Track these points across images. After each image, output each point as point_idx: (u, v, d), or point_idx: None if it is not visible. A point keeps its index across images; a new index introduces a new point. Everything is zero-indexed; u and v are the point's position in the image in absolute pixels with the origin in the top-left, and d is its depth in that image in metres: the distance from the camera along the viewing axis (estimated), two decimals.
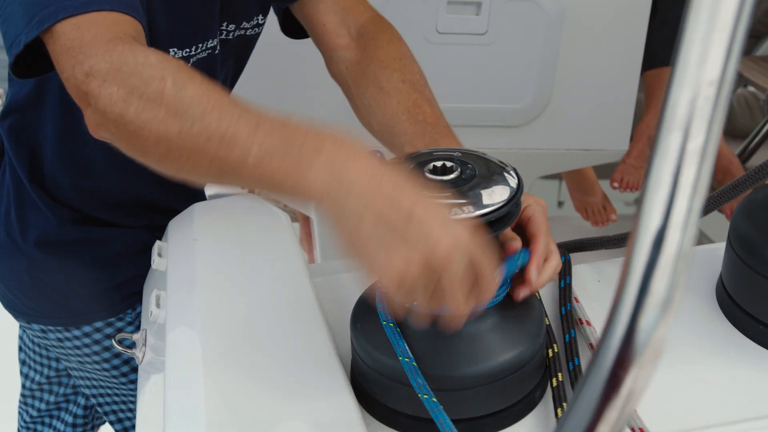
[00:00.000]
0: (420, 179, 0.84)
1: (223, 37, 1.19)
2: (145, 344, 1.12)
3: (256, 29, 1.25)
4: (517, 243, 0.87)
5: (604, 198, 2.77)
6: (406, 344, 0.83)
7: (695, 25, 0.44)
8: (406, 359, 0.82)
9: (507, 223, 0.83)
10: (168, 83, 0.78)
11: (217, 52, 1.18)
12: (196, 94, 0.78)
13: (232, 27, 1.20)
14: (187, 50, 1.12)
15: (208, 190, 1.25)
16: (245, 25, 1.22)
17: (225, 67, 1.25)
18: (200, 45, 1.14)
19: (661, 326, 0.43)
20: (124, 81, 0.79)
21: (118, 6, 0.86)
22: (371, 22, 1.21)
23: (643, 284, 0.43)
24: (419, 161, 0.87)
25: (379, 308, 0.88)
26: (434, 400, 0.79)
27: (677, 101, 0.44)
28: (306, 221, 2.29)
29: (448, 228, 0.71)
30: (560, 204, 3.40)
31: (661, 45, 2.45)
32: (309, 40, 1.28)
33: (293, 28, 1.29)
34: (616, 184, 2.62)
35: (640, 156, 2.56)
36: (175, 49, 1.11)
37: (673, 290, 0.43)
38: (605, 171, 2.83)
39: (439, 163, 0.86)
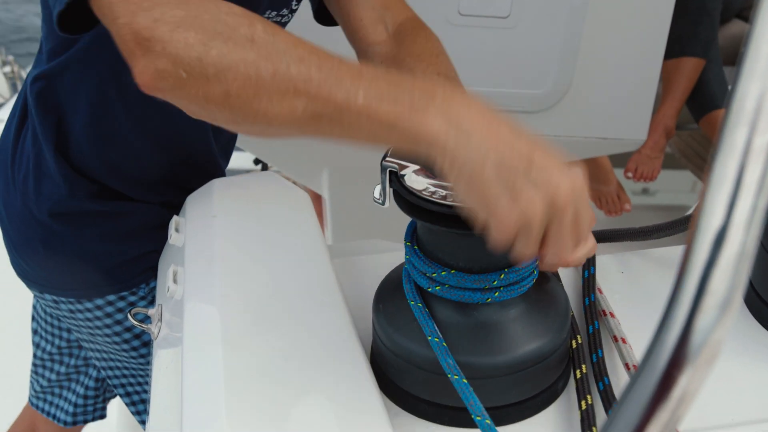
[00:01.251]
0: None
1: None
2: (160, 319, 1.11)
3: (290, 15, 1.24)
4: None
5: (618, 187, 2.76)
6: (435, 324, 0.82)
7: (766, 18, 0.42)
8: (436, 339, 0.81)
9: None
10: (258, 29, 0.75)
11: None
12: (290, 41, 0.75)
13: (273, 14, 1.19)
14: None
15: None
16: (284, 11, 1.21)
17: None
18: None
19: (719, 328, 0.42)
20: (204, 26, 0.74)
21: None
22: (409, 21, 1.19)
23: (702, 283, 0.42)
24: None
25: (406, 289, 0.87)
26: (464, 381, 0.78)
27: (745, 95, 0.42)
28: (317, 200, 2.28)
29: (566, 173, 0.71)
30: None
31: (681, 35, 2.43)
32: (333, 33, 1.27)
33: (325, 16, 1.28)
34: (630, 174, 2.61)
35: (656, 146, 2.54)
36: None
37: (734, 291, 0.42)
38: (619, 160, 2.82)
39: None
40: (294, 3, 1.22)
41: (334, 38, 1.24)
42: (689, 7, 2.46)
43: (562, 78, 1.97)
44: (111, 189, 1.24)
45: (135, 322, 1.11)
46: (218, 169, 1.35)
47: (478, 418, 0.75)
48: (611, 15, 1.93)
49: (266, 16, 1.17)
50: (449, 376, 0.78)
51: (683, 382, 0.43)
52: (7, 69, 3.70)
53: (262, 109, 0.75)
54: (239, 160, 3.16)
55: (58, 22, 0.87)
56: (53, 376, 1.53)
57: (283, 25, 1.25)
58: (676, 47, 2.43)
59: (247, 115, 0.77)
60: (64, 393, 1.53)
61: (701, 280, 0.42)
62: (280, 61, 0.73)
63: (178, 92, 0.77)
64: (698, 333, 0.42)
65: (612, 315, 0.97)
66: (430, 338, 0.81)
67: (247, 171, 2.98)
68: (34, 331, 1.53)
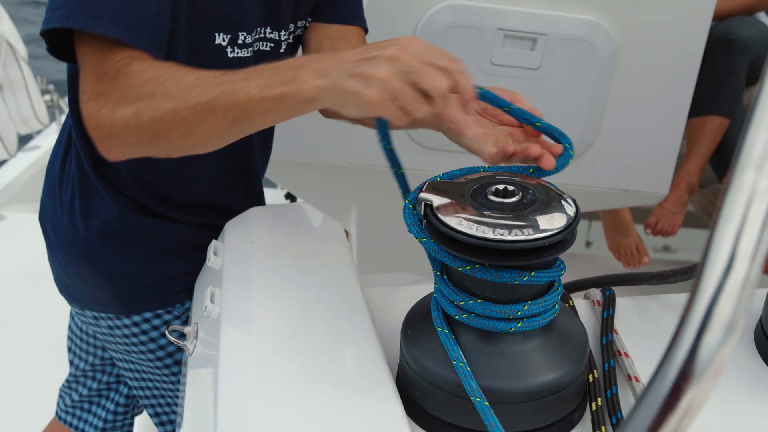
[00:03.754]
0: (482, 200, 0.89)
1: (296, 33, 1.27)
2: (196, 337, 1.16)
3: (288, 39, 1.32)
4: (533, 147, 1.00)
5: (638, 240, 2.79)
6: (460, 350, 0.87)
7: None
8: (461, 363, 0.86)
9: (562, 249, 0.87)
10: (169, 83, 0.96)
11: (283, 47, 1.27)
12: (193, 78, 0.96)
13: (301, 23, 1.28)
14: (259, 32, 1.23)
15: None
16: (282, 33, 1.29)
17: None
18: (263, 37, 1.23)
19: (724, 347, 0.47)
20: (132, 98, 0.97)
21: (128, 36, 1.01)
22: None
23: (711, 306, 0.47)
24: (483, 182, 0.92)
25: (434, 315, 0.92)
26: (486, 403, 0.82)
27: (755, 141, 0.48)
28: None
29: (393, 42, 0.89)
30: (588, 244, 3.42)
31: (707, 94, 2.49)
32: None
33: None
34: (649, 231, 2.64)
35: (678, 201, 2.58)
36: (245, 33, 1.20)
37: (738, 314, 0.47)
38: (639, 214, 2.86)
39: (501, 186, 0.90)
40: (291, 26, 1.30)
41: None
42: (716, 67, 2.52)
43: (589, 130, 2.02)
44: (151, 209, 1.30)
45: (171, 338, 1.16)
46: (254, 191, 1.41)
47: None
48: (638, 71, 1.99)
49: (258, 35, 1.25)
50: (472, 398, 0.83)
51: (690, 394, 0.48)
52: (47, 98, 3.82)
53: (199, 135, 0.98)
54: (271, 196, 3.25)
55: (48, 48, 1.08)
56: (85, 392, 1.58)
57: (280, 45, 1.31)
58: (702, 105, 2.48)
59: (194, 145, 1.01)
60: (94, 409, 1.58)
61: (710, 303, 0.47)
62: (193, 98, 0.95)
63: (139, 152, 1.03)
64: (705, 350, 0.47)
65: (627, 355, 1.02)
66: (455, 362, 0.86)
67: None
68: (69, 348, 1.58)
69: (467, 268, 0.87)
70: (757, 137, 0.48)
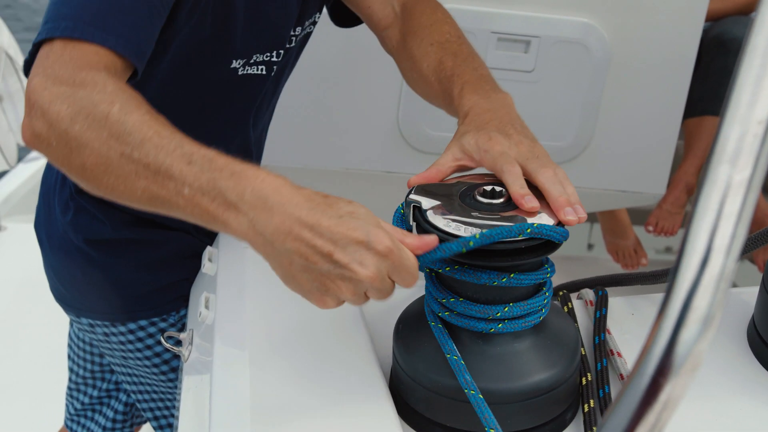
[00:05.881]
0: (470, 201, 0.89)
1: (291, 45, 1.27)
2: (191, 343, 1.16)
3: (312, 26, 1.32)
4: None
5: (636, 242, 2.80)
6: (454, 344, 0.87)
7: (749, 68, 0.48)
8: (455, 357, 0.86)
9: (550, 250, 0.87)
10: (115, 108, 0.86)
11: (283, 56, 1.26)
12: (138, 122, 0.86)
13: (298, 30, 1.27)
14: (267, 54, 1.21)
15: None
16: (306, 23, 1.29)
17: (289, 67, 1.32)
18: (274, 51, 1.22)
19: (701, 340, 0.47)
20: (75, 102, 0.87)
21: (114, 44, 0.94)
22: None
23: (687, 300, 0.47)
24: (471, 184, 0.92)
25: (427, 311, 0.92)
26: (480, 396, 0.83)
27: (728, 136, 0.48)
28: None
29: (368, 251, 0.79)
30: (590, 246, 3.42)
31: (703, 94, 2.49)
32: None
33: (343, 17, 1.35)
34: (650, 228, 2.65)
35: (676, 202, 2.58)
36: (258, 54, 1.19)
37: (715, 308, 0.47)
38: (639, 216, 2.86)
39: (488, 187, 0.91)
40: (317, 15, 1.30)
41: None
42: (712, 67, 2.53)
43: (584, 132, 2.03)
44: (144, 218, 1.30)
45: (167, 345, 1.17)
46: None
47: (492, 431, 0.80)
48: (632, 72, 2.00)
49: (292, 35, 1.24)
50: (466, 391, 0.83)
51: (668, 388, 0.48)
52: None
53: (110, 185, 0.87)
54: None
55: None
56: (86, 399, 1.59)
57: (307, 35, 1.30)
58: (699, 106, 2.49)
59: (99, 189, 0.89)
60: (96, 416, 1.59)
61: (686, 297, 0.48)
62: (126, 143, 0.85)
63: (48, 155, 0.92)
64: (683, 344, 0.48)
65: (619, 354, 1.02)
66: (449, 356, 0.86)
67: None
68: (69, 356, 1.59)
69: (446, 269, 0.87)
70: (731, 133, 0.48)
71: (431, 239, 0.83)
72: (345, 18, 1.34)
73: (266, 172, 0.83)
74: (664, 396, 0.48)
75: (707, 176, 0.48)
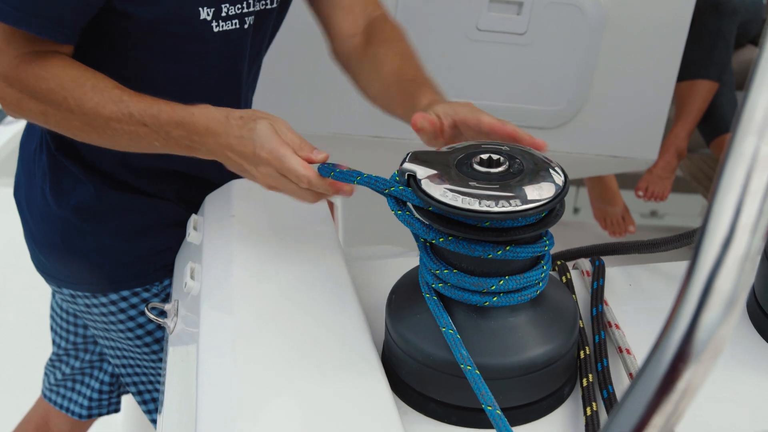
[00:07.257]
0: (468, 170, 0.86)
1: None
2: (176, 315, 1.13)
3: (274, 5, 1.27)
4: None
5: (624, 209, 2.78)
6: (449, 317, 0.84)
7: None
8: (450, 331, 0.83)
9: (552, 221, 0.84)
10: (71, 101, 1.05)
11: (253, 5, 1.22)
12: (93, 103, 1.05)
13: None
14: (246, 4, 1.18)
15: None
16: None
17: (268, 25, 1.29)
18: (244, 2, 1.18)
19: (724, 325, 0.44)
20: (45, 98, 1.06)
21: (41, 30, 1.05)
22: (381, 18, 1.31)
23: (709, 282, 0.44)
24: (468, 152, 0.88)
25: (422, 282, 0.89)
26: (477, 372, 0.80)
27: (755, 106, 0.44)
28: (330, 206, 2.30)
29: (256, 162, 1.01)
30: (576, 210, 3.41)
31: (695, 58, 2.46)
32: None
33: None
34: (641, 193, 2.63)
35: (667, 167, 2.56)
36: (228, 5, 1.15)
37: (739, 290, 0.44)
38: (626, 181, 2.84)
39: (485, 156, 0.87)
40: None
41: None
42: (705, 31, 2.49)
43: (577, 96, 1.99)
44: (127, 183, 1.26)
45: (151, 316, 1.13)
46: None
47: (489, 408, 0.78)
48: (627, 36, 1.96)
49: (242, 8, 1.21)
50: (462, 366, 0.80)
51: (688, 375, 0.45)
52: None
53: (107, 143, 1.10)
54: None
55: None
56: (68, 370, 1.55)
57: (269, 13, 1.26)
58: (691, 70, 2.46)
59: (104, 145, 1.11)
60: (78, 387, 1.56)
61: (708, 278, 0.44)
62: (96, 122, 1.06)
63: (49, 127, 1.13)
64: (704, 329, 0.44)
65: (617, 327, 0.99)
66: (444, 329, 0.83)
67: None
68: (51, 327, 1.55)
69: (440, 240, 0.84)
70: (758, 102, 0.45)
71: (322, 157, 1.01)
72: None
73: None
74: (682, 384, 0.45)
75: (731, 149, 0.45)
